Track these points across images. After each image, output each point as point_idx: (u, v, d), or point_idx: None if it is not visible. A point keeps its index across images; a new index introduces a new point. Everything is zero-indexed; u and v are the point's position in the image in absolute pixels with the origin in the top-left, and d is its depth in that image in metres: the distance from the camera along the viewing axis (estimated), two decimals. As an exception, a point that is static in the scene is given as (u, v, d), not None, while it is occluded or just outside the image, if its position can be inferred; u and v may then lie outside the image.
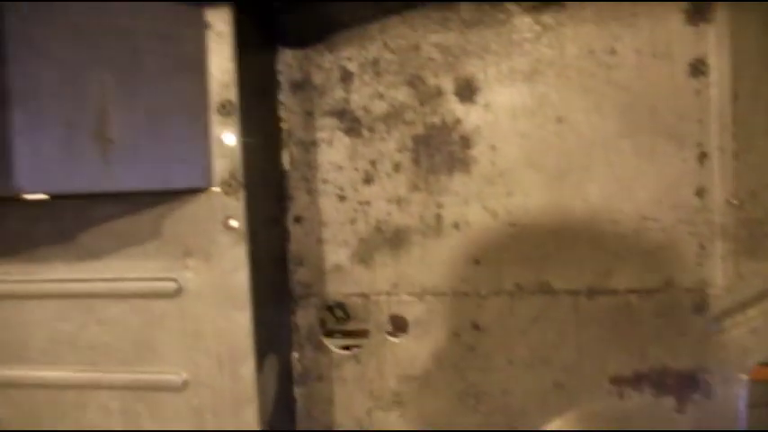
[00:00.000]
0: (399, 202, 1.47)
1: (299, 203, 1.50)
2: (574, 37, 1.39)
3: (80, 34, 1.10)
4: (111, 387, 1.37)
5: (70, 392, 1.40)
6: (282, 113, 1.49)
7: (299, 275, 1.50)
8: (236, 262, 1.30)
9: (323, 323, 1.52)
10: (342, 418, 1.52)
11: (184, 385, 1.34)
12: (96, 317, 1.36)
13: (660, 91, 1.36)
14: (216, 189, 1.29)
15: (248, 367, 1.30)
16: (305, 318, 1.51)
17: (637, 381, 1.43)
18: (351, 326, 1.51)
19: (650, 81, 1.36)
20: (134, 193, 1.31)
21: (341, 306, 1.50)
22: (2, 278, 1.40)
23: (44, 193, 1.16)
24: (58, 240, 1.37)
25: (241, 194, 1.28)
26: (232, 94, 1.25)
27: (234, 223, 1.29)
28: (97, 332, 1.37)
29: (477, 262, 1.45)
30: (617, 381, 1.43)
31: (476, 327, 1.45)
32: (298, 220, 1.50)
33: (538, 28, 1.39)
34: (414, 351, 1.48)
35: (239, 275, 1.30)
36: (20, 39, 1.03)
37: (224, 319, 1.31)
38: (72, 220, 1.36)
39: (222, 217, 1.29)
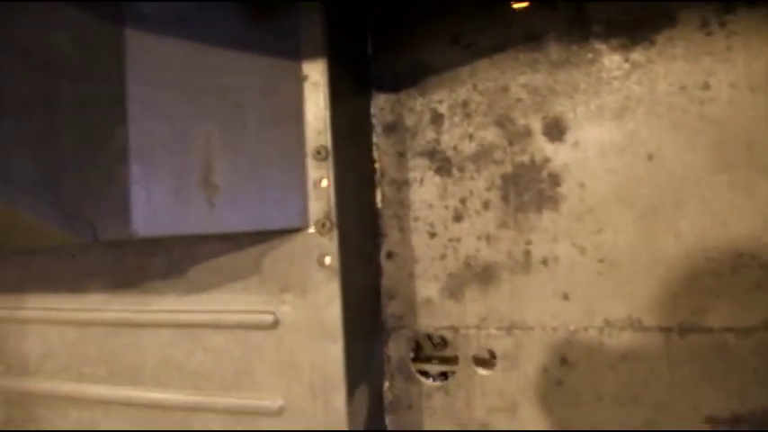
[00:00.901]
0: (488, 238, 1.50)
1: (391, 240, 1.56)
2: (665, 73, 1.38)
3: (188, 92, 1.20)
4: (214, 410, 1.47)
5: (177, 413, 1.51)
6: (376, 154, 1.55)
7: (392, 308, 1.56)
8: (330, 297, 1.37)
9: (419, 348, 1.57)
10: (430, 451, 1.56)
11: (280, 411, 1.42)
12: (202, 345, 1.47)
13: (756, 125, 1.33)
14: (311, 229, 1.36)
15: (340, 397, 1.37)
16: (396, 349, 1.56)
17: (735, 422, 1.39)
18: (446, 353, 1.55)
19: (746, 115, 1.34)
20: (237, 233, 1.40)
21: (438, 336, 1.55)
22: (121, 308, 1.54)
23: (157, 235, 1.27)
24: (169, 275, 1.49)
25: (335, 234, 1.36)
26: (326, 140, 1.33)
27: (328, 260, 1.36)
28: (202, 359, 1.47)
29: (565, 297, 1.46)
30: (712, 421, 1.40)
31: (564, 361, 1.46)
32: (390, 255, 1.56)
33: (627, 66, 1.39)
34: (502, 384, 1.50)
35: (332, 310, 1.37)
36: (138, 100, 1.15)
37: (318, 350, 1.38)
38: (181, 257, 1.48)
39: (317, 255, 1.37)
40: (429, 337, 1.56)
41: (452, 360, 1.54)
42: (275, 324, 1.41)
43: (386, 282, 1.56)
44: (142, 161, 1.16)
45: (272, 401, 1.43)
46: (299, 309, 1.40)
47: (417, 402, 1.56)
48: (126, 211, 1.18)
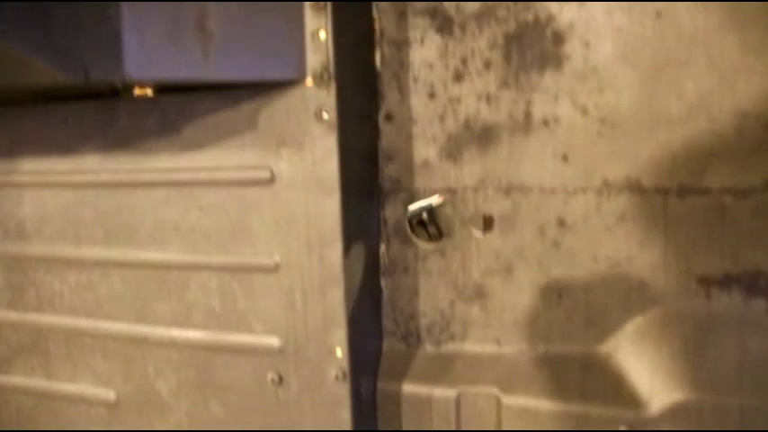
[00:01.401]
0: (489, 99, 1.47)
1: (390, 101, 1.53)
2: (677, -77, 1.31)
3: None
4: (210, 268, 1.48)
5: (173, 272, 1.52)
6: (375, 14, 1.50)
7: (389, 171, 1.55)
8: (327, 151, 1.35)
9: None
10: (425, 309, 1.58)
11: (276, 267, 1.42)
12: (197, 203, 1.46)
13: (772, -19, 1.28)
14: (309, 82, 1.33)
15: (336, 251, 1.37)
16: (393, 212, 1.56)
17: (726, 282, 1.40)
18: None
19: (761, -30, 1.28)
20: (232, 87, 1.37)
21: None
22: (115, 168, 1.52)
23: (150, 80, 1.24)
24: (163, 133, 1.47)
25: (333, 87, 1.33)
26: (324, -13, 1.28)
27: (326, 115, 1.33)
28: (198, 217, 1.47)
29: (565, 159, 1.44)
30: (705, 281, 1.41)
31: (561, 223, 1.46)
32: (388, 117, 1.54)
33: None
34: (498, 246, 1.51)
35: (330, 164, 1.36)
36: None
37: (314, 205, 1.38)
38: (176, 115, 1.45)
39: (314, 108, 1.34)
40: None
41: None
42: (271, 180, 1.40)
43: (384, 144, 1.54)
44: (133, 3, 1.12)
45: (268, 258, 1.43)
46: (295, 164, 1.38)
47: (413, 265, 1.57)
48: (118, 53, 1.14)
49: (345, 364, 1.41)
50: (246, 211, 1.43)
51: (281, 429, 1.49)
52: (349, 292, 1.40)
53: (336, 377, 1.42)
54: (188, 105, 1.44)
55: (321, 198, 1.37)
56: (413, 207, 1.55)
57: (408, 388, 1.55)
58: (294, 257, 1.41)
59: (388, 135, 1.54)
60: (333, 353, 1.41)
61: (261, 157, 1.40)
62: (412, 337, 1.60)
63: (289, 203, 1.39)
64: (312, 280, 1.40)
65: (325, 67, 1.32)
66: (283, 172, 1.39)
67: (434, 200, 1.53)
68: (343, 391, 1.42)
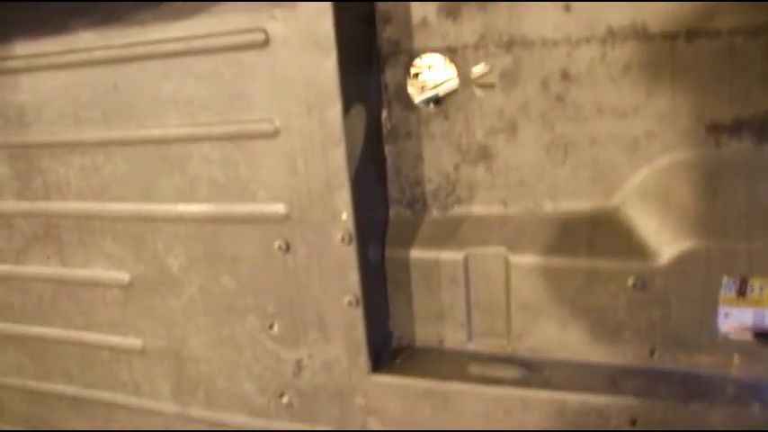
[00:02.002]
0: (484, -52, 1.41)
1: (381, -41, 1.47)
2: None
3: None
4: (211, 139, 1.47)
5: (175, 147, 1.51)
6: None
7: (388, 33, 1.51)
8: (322, 9, 1.32)
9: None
10: (430, 174, 1.56)
11: (276, 132, 1.41)
12: (193, 73, 1.44)
13: None
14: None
15: (335, 111, 1.35)
16: (393, 76, 1.53)
17: (736, 128, 1.37)
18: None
19: None
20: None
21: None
22: (107, 44, 1.49)
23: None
24: (153, 4, 1.43)
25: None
26: None
27: (316, -34, 1.29)
28: (195, 88, 1.45)
29: (567, 8, 1.39)
30: (714, 128, 1.38)
31: (565, 76, 1.42)
32: (383, -24, 1.48)
33: None
34: (501, 104, 1.48)
35: (324, 22, 1.32)
36: None
37: (311, 65, 1.35)
38: (163, -22, 1.41)
39: None
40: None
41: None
42: (266, 42, 1.37)
43: (380, 5, 1.49)
44: None
45: (267, 123, 1.42)
46: (290, 24, 1.35)
47: (416, 129, 1.55)
48: None
49: (351, 227, 1.41)
50: (243, 77, 1.40)
51: (291, 296, 1.50)
52: (351, 152, 1.39)
53: (342, 239, 1.42)
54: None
55: (318, 58, 1.34)
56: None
57: (416, 253, 1.55)
58: (294, 121, 1.39)
59: (383, -5, 1.49)
60: (338, 216, 1.41)
61: (254, 19, 1.36)
62: (418, 204, 1.59)
63: (285, 65, 1.37)
64: (313, 142, 1.39)
65: None
66: (278, 33, 1.36)
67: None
68: (350, 255, 1.43)
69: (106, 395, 1.83)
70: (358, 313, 1.47)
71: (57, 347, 1.85)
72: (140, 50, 1.47)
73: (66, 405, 1.92)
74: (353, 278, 1.45)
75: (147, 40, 1.45)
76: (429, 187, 1.58)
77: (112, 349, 1.77)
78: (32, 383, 1.94)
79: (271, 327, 1.56)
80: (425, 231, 1.59)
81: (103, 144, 1.57)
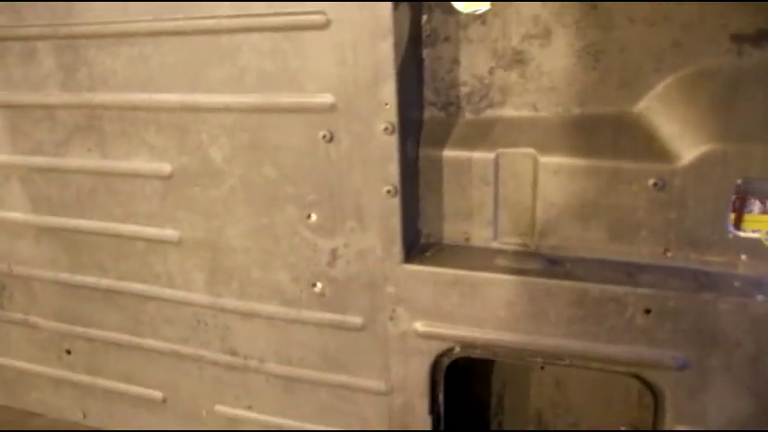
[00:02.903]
0: None
1: None
2: None
3: None
4: (262, 29, 1.53)
5: (225, 37, 1.58)
6: None
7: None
8: None
9: None
10: (465, 78, 1.65)
11: (327, 24, 1.48)
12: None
13: None
14: None
15: (386, 5, 1.42)
16: (434, -20, 1.60)
17: (758, 38, 1.46)
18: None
19: None
20: None
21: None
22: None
23: None
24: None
25: None
26: None
27: None
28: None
29: None
30: (737, 39, 1.47)
31: (601, -15, 1.50)
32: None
33: None
34: (538, 10, 1.55)
35: None
36: None
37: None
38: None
39: None
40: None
41: None
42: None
43: None
44: None
45: (319, 15, 1.48)
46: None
47: (454, 33, 1.62)
48: None
49: (394, 117, 1.49)
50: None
51: (332, 185, 1.58)
52: (397, 45, 1.46)
53: (386, 129, 1.50)
54: None
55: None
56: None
57: (449, 153, 1.64)
58: (345, 12, 1.46)
59: None
60: (382, 106, 1.49)
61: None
62: (452, 106, 1.67)
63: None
64: (363, 34, 1.46)
65: None
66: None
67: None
68: (391, 144, 1.51)
69: (139, 287, 1.91)
70: (395, 203, 1.55)
71: (92, 239, 1.91)
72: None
73: (97, 297, 1.99)
74: (393, 168, 1.53)
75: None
76: (464, 90, 1.67)
77: (149, 241, 1.84)
78: (66, 276, 2.00)
79: (309, 216, 1.64)
80: (458, 132, 1.67)
81: (153, 34, 1.63)
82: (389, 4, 1.44)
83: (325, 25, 1.49)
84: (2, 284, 2.14)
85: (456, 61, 1.65)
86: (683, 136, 1.51)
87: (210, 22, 1.57)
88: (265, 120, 1.60)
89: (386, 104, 1.50)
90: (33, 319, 2.14)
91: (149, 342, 1.97)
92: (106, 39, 1.69)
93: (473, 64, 1.64)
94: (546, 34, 1.58)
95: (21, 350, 2.22)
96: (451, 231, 1.70)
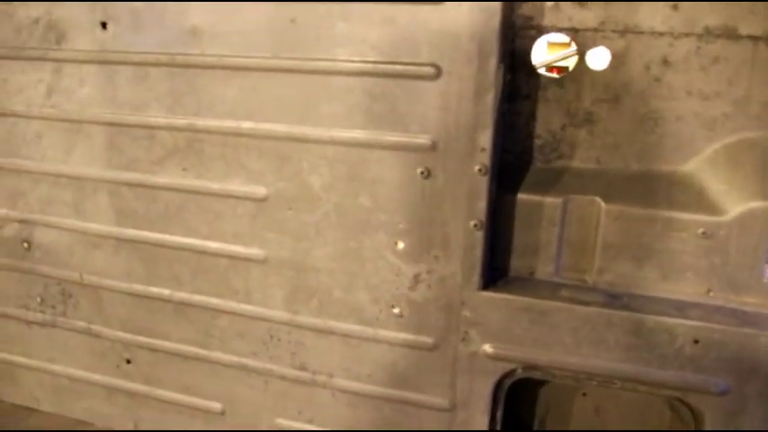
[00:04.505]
0: (616, -49, 1.75)
1: (530, -50, 1.79)
2: None
3: None
4: (376, 74, 1.73)
5: (340, 78, 1.75)
6: None
7: (523, 10, 1.82)
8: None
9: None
10: (540, 131, 1.88)
11: (437, 75, 1.68)
12: (370, 18, 1.70)
13: None
14: None
15: (492, 62, 1.64)
16: (522, 45, 1.83)
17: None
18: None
19: None
20: None
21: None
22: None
23: None
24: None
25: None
26: None
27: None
28: (369, 30, 1.70)
29: (674, 7, 1.74)
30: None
31: (665, 62, 1.77)
32: (528, -38, 1.80)
33: None
34: (609, 79, 1.81)
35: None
36: None
37: (478, 22, 1.64)
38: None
39: None
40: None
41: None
42: (441, 1, 1.65)
43: (522, -14, 1.80)
44: None
45: (431, 67, 1.69)
46: (465, -14, 1.64)
47: (534, 93, 1.86)
48: None
49: (488, 160, 1.70)
50: (415, 26, 1.68)
51: (423, 216, 1.77)
52: (496, 99, 1.68)
53: (479, 171, 1.71)
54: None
55: (485, 18, 1.63)
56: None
57: (523, 196, 1.85)
58: (455, 67, 1.67)
59: (528, -21, 1.81)
60: (479, 150, 1.70)
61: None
62: (525, 155, 1.90)
63: (454, 21, 1.65)
64: (469, 87, 1.67)
65: None
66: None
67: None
68: (483, 184, 1.72)
69: (214, 301, 2.03)
70: (480, 236, 1.75)
71: (173, 254, 2.03)
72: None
73: (168, 309, 2.09)
74: (481, 205, 1.74)
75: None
76: (537, 142, 1.90)
77: (232, 258, 1.97)
78: (139, 287, 2.10)
79: (396, 243, 1.82)
80: (530, 178, 1.89)
81: (268, 70, 1.80)
82: (495, 63, 1.66)
83: (435, 76, 1.69)
84: (68, 293, 2.22)
85: (533, 116, 1.88)
86: (729, 193, 1.76)
87: (327, 64, 1.75)
88: (367, 154, 1.78)
89: (482, 149, 1.71)
90: (96, 327, 2.22)
91: (216, 355, 2.08)
92: (221, 70, 1.85)
93: (548, 120, 1.88)
94: (615, 100, 1.83)
95: (77, 358, 2.29)
96: (518, 265, 1.91)
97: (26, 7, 2.02)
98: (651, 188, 1.83)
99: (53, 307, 2.31)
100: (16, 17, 2.04)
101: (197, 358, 2.10)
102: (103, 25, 1.96)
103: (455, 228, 1.77)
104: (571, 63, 1.81)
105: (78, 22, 1.99)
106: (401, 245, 1.82)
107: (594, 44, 1.80)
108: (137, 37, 1.93)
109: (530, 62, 1.85)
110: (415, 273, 1.83)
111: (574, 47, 1.80)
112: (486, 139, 1.70)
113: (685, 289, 1.81)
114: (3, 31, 2.07)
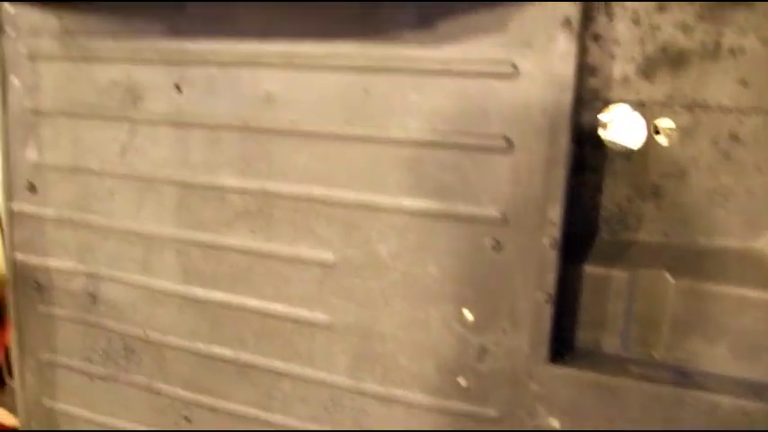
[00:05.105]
0: (685, 28, 1.77)
1: (598, 23, 1.82)
2: None
3: None
4: (446, 146, 1.76)
5: (410, 148, 1.78)
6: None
7: (590, 83, 1.84)
8: (568, 55, 1.64)
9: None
10: (606, 203, 1.88)
11: (509, 148, 1.71)
12: (443, 89, 1.74)
13: None
14: (560, -7, 1.62)
15: (564, 137, 1.66)
16: (589, 118, 1.86)
17: None
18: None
19: None
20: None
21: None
22: (367, 54, 1.79)
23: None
24: (419, 27, 1.74)
25: (579, 2, 1.62)
26: None
27: (573, 23, 1.62)
28: (441, 102, 1.74)
29: (744, 83, 1.75)
30: None
31: (734, 137, 1.77)
32: (596, 37, 1.83)
33: None
34: (677, 154, 1.81)
35: (569, 65, 1.65)
36: None
37: (551, 98, 1.67)
38: (433, 11, 1.73)
39: (563, 18, 1.63)
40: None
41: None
42: (513, 74, 1.69)
43: (589, 58, 1.83)
44: None
45: (503, 140, 1.71)
46: (538, 62, 1.67)
47: (600, 165, 1.87)
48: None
49: (558, 233, 1.71)
50: (488, 99, 1.71)
51: (491, 288, 1.77)
52: (567, 172, 1.69)
53: (550, 244, 1.71)
54: (445, 6, 1.71)
55: (557, 93, 1.66)
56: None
57: (589, 268, 1.85)
58: (527, 141, 1.70)
59: (593, 52, 1.84)
60: (549, 223, 1.70)
61: (507, 53, 1.68)
62: (590, 226, 1.90)
63: (527, 95, 1.68)
64: (540, 160, 1.69)
65: (574, -18, 1.61)
66: (526, 68, 1.68)
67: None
68: (552, 256, 1.72)
69: (278, 364, 2.04)
70: (548, 309, 1.75)
71: (238, 315, 2.06)
72: (397, 64, 1.77)
73: (231, 370, 2.11)
74: (551, 278, 1.73)
75: (407, 56, 1.75)
76: (603, 214, 1.90)
77: (297, 322, 1.99)
78: (202, 346, 2.13)
79: (464, 314, 1.82)
80: (597, 251, 1.89)
81: (342, 137, 1.84)
82: (567, 137, 1.68)
83: (507, 149, 1.72)
84: (131, 348, 2.25)
85: (599, 188, 1.89)
86: (804, 273, 1.74)
87: (398, 134, 1.79)
88: (436, 224, 1.80)
89: (552, 222, 1.71)
90: (158, 384, 2.24)
91: (277, 418, 2.08)
92: (293, 136, 1.89)
93: (614, 192, 1.88)
94: (682, 175, 1.83)
95: (137, 413, 2.31)
96: (584, 337, 1.89)
97: (107, 70, 2.10)
98: (721, 264, 1.81)
99: (115, 361, 2.34)
100: (96, 78, 2.12)
101: (257, 420, 2.10)
102: (178, 88, 2.02)
103: (523, 300, 1.77)
104: (638, 137, 1.82)
105: (155, 84, 2.06)
106: (469, 315, 1.82)
107: (661, 116, 1.81)
108: (210, 101, 1.99)
109: (596, 135, 1.87)
110: (482, 344, 1.83)
111: (642, 121, 1.81)
112: (555, 212, 1.70)
113: (759, 369, 1.77)
114: (83, 91, 2.15)
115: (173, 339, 2.18)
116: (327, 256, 1.92)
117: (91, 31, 2.13)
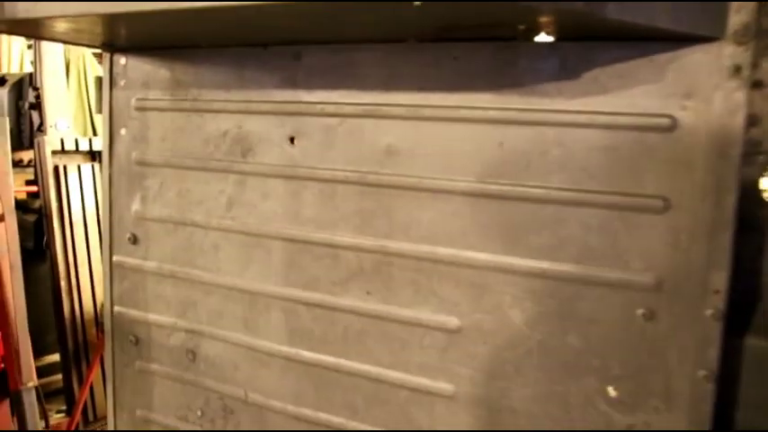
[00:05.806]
0: None
1: (761, 70, 1.64)
2: None
3: None
4: (593, 205, 1.59)
5: (552, 207, 1.63)
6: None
7: (751, 134, 1.65)
8: (736, 107, 1.47)
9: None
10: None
11: (666, 208, 1.53)
12: (589, 144, 1.58)
13: None
14: (729, 39, 1.45)
15: (731, 197, 1.48)
16: (749, 172, 1.66)
17: None
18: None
19: None
20: (641, 40, 1.50)
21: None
22: (504, 106, 1.64)
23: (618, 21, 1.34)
24: (561, 77, 1.59)
25: (751, 46, 1.44)
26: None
27: (743, 72, 1.45)
28: (587, 157, 1.59)
29: None
30: None
31: None
32: (757, 84, 1.64)
33: None
34: None
35: (737, 119, 1.47)
36: None
37: (715, 154, 1.49)
38: (576, 60, 1.58)
39: (730, 65, 1.46)
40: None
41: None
42: (671, 128, 1.51)
43: (749, 108, 1.64)
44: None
45: (658, 200, 1.54)
46: (700, 115, 1.50)
47: (763, 224, 1.66)
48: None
49: (722, 304, 1.51)
50: (641, 154, 1.54)
51: (642, 362, 1.58)
52: (733, 236, 1.50)
53: (713, 316, 1.52)
54: (589, 52, 1.56)
55: (723, 148, 1.48)
56: None
57: (752, 341, 1.64)
58: (687, 200, 1.52)
59: (755, 101, 1.65)
60: (711, 291, 1.51)
61: (664, 105, 1.51)
62: (751, 294, 1.69)
63: (687, 150, 1.51)
64: (703, 223, 1.51)
65: (748, 27, 1.43)
66: (685, 121, 1.50)
67: None
68: (715, 330, 1.52)
69: (393, 436, 1.88)
70: (710, 388, 1.55)
71: (348, 380, 1.91)
72: (537, 116, 1.62)
73: (340, 439, 1.96)
74: (713, 354, 1.54)
75: (548, 108, 1.60)
76: (765, 279, 1.69)
77: (415, 391, 1.83)
78: (308, 412, 1.99)
79: (608, 390, 1.63)
80: (758, 320, 1.68)
81: (472, 194, 1.69)
82: (734, 198, 1.49)
83: (663, 209, 1.54)
84: (230, 409, 2.13)
85: (760, 250, 1.68)
86: None
87: (538, 192, 1.63)
88: (580, 290, 1.63)
89: (716, 291, 1.52)
90: (262, 453, 2.11)
91: (392, 492, 1.92)
92: (418, 192, 1.75)
93: (778, 255, 1.67)
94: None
95: (234, 478, 2.18)
96: (744, 417, 1.67)
97: (217, 121, 2.01)
98: None
99: (213, 421, 2.22)
100: (206, 129, 2.04)
101: (372, 494, 1.95)
102: (291, 140, 1.92)
103: (680, 377, 1.57)
104: (808, 194, 1.62)
105: (267, 135, 1.97)
106: (614, 392, 1.63)
107: (835, 174, 1.60)
108: (326, 153, 1.87)
109: (758, 191, 1.67)
110: (630, 424, 1.64)
111: (811, 176, 1.62)
112: (721, 280, 1.52)
113: None
114: (191, 143, 2.07)
115: (275, 403, 2.06)
116: (453, 320, 1.77)
117: (202, 82, 2.05)
